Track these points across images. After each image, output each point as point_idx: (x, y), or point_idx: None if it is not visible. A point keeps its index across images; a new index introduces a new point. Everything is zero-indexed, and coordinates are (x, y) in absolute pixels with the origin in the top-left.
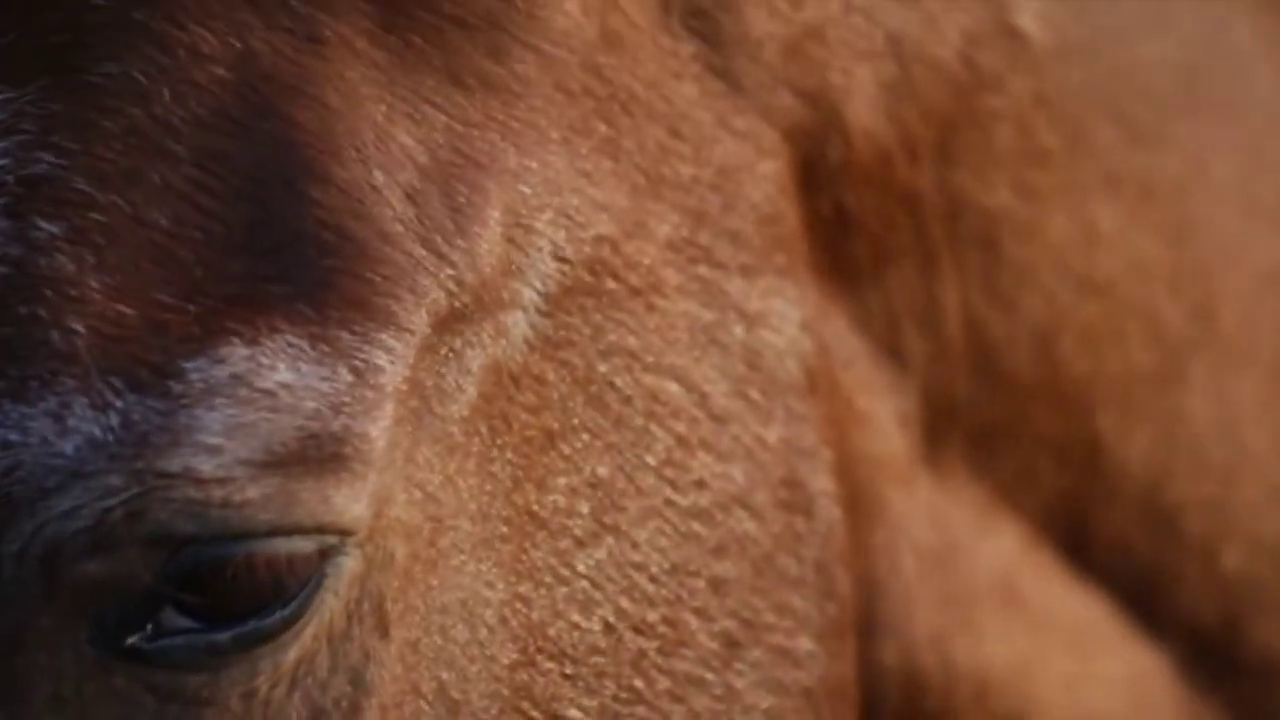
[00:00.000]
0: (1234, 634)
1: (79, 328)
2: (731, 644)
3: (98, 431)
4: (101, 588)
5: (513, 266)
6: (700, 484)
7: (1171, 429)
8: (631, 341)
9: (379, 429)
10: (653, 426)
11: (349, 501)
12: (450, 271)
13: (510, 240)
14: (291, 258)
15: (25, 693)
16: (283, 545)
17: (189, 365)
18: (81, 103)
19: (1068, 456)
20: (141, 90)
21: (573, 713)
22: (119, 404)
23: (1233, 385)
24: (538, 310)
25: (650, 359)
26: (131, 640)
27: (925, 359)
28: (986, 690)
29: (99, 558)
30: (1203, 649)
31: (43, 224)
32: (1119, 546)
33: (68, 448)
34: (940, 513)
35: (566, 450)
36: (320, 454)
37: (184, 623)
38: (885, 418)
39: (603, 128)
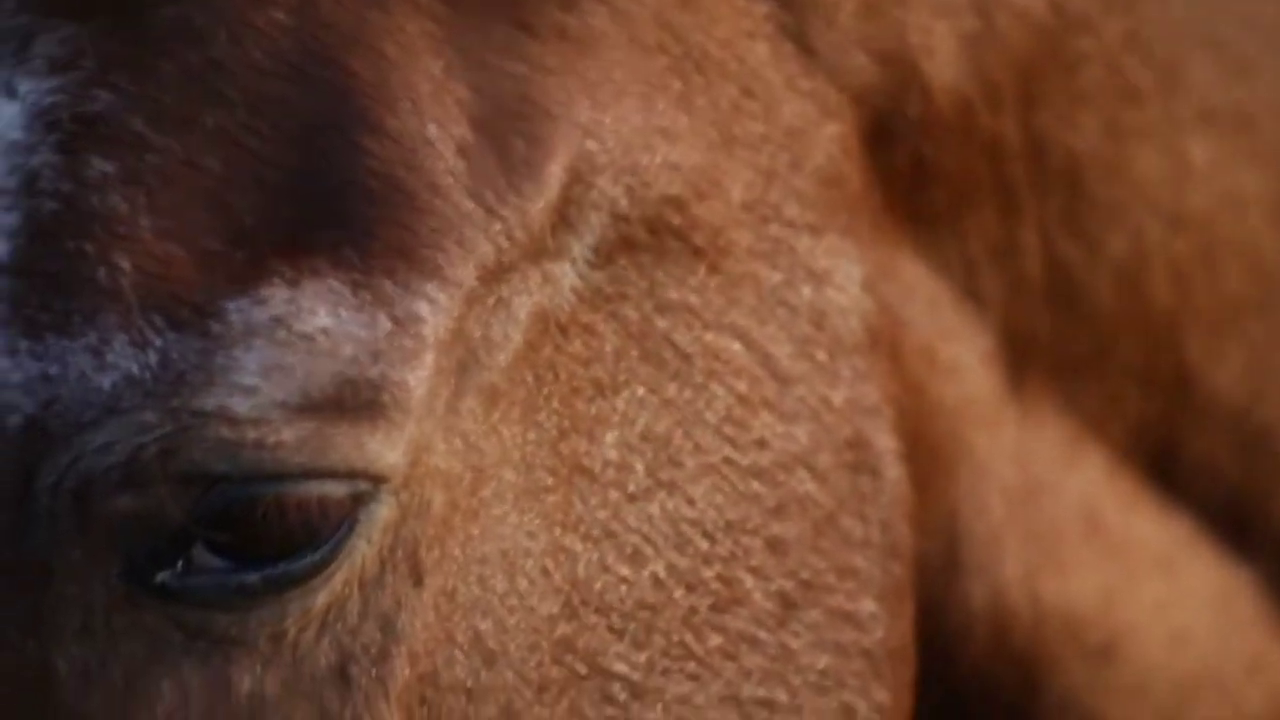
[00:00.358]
0: None
1: (125, 265)
2: (788, 604)
3: (135, 369)
4: (133, 523)
5: (566, 221)
6: (761, 443)
7: (1266, 353)
8: (692, 299)
9: (418, 378)
10: (713, 384)
11: (384, 448)
12: (499, 226)
13: (567, 197)
14: (340, 206)
15: (54, 624)
16: (314, 488)
17: (230, 305)
18: (140, 43)
19: (1154, 384)
20: (199, 33)
21: (619, 666)
22: (158, 342)
23: None
24: (588, 263)
25: (711, 317)
26: (161, 577)
27: (1004, 298)
28: (1076, 623)
29: (131, 493)
30: None
31: (96, 162)
32: (1207, 469)
33: (105, 383)
34: (1025, 450)
35: (619, 404)
36: (356, 400)
37: (214, 562)
38: (968, 360)
39: (677, 84)
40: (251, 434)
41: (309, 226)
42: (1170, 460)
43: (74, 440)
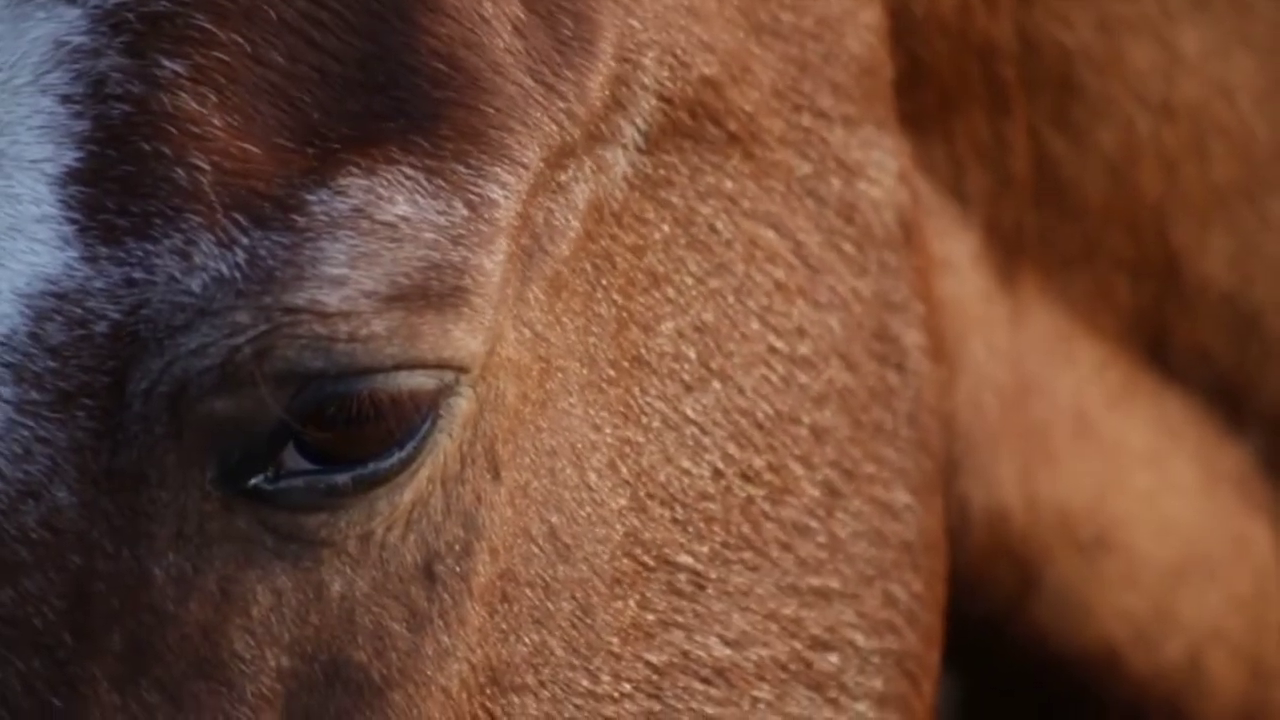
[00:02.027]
0: None
1: (203, 164)
2: (834, 493)
3: (224, 268)
4: (228, 426)
5: (618, 102)
6: (801, 332)
7: (1255, 236)
8: (729, 185)
9: (494, 263)
10: (753, 272)
11: (467, 336)
12: (560, 104)
13: (617, 76)
14: (405, 91)
15: (149, 532)
16: (405, 380)
17: (311, 198)
18: None
19: (1144, 274)
20: None
21: (684, 558)
22: (244, 240)
23: None
24: (637, 148)
25: (747, 205)
26: (254, 481)
27: (990, 197)
28: (1069, 518)
29: (226, 395)
30: None
31: (165, 62)
32: (1199, 352)
33: (195, 285)
34: (1017, 350)
35: (671, 293)
36: (441, 286)
37: (304, 464)
38: (959, 259)
39: None
40: (344, 327)
41: (377, 117)
42: (1162, 346)
43: (166, 344)
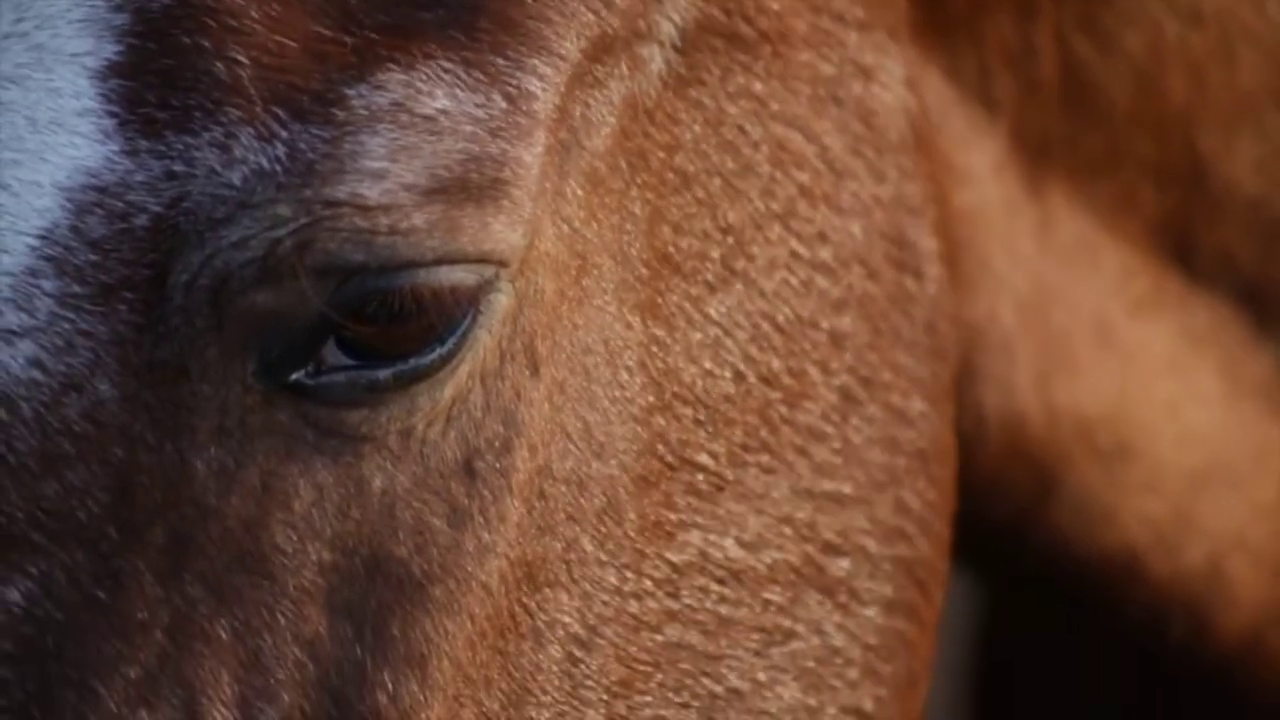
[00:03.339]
0: None
1: (242, 58)
2: (850, 399)
3: (265, 162)
4: (269, 319)
5: None
6: (822, 237)
7: None
8: (758, 87)
9: (533, 155)
10: (779, 175)
11: (507, 229)
12: None
13: None
14: None
15: (190, 425)
16: (446, 275)
17: (350, 92)
18: None
19: (1170, 179)
20: None
21: (703, 458)
22: (284, 134)
23: None
24: (673, 46)
25: (776, 106)
26: (295, 375)
27: (1017, 102)
28: (1089, 425)
29: (268, 288)
30: None
31: None
32: (1225, 257)
33: (235, 178)
34: (1041, 258)
35: (700, 193)
36: (481, 179)
37: (345, 359)
38: (981, 167)
39: None
40: (384, 220)
41: (414, 5)
42: (1188, 252)
43: (207, 237)
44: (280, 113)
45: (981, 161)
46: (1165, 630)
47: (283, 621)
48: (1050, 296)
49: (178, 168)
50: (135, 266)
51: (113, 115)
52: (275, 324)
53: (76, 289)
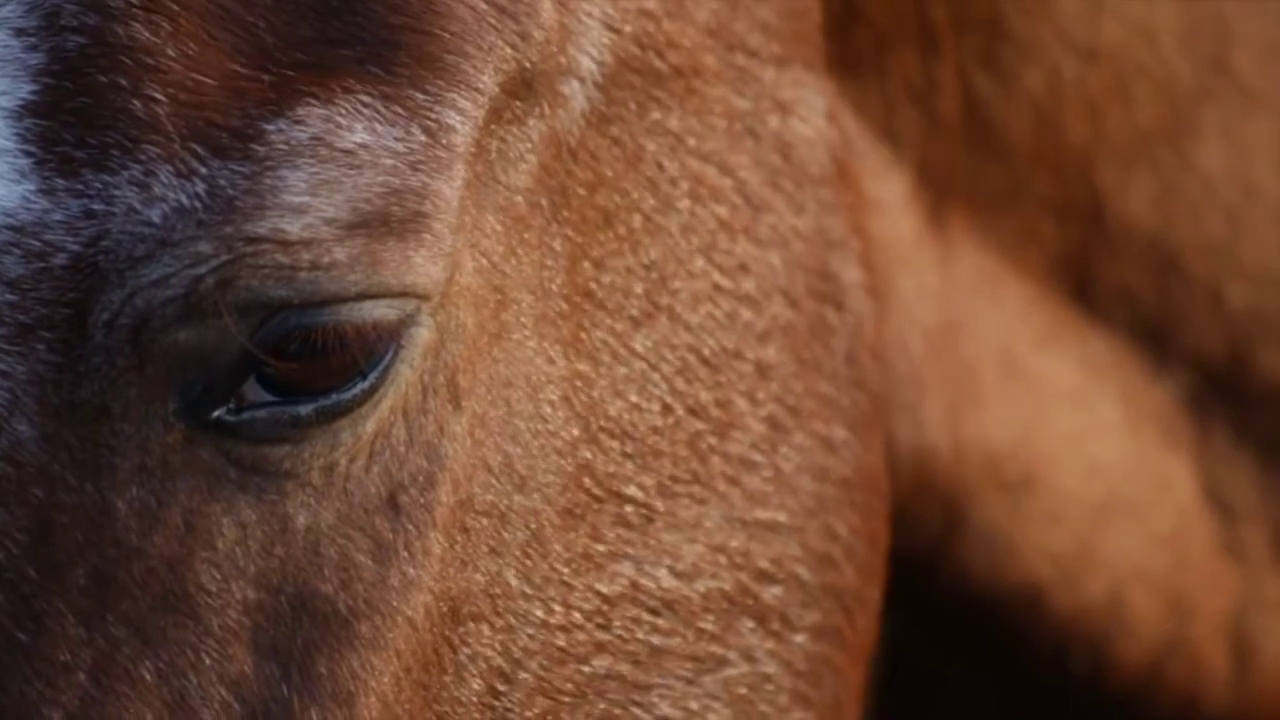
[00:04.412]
0: (1241, 365)
1: (159, 95)
2: (777, 427)
3: (184, 199)
4: (191, 357)
5: (569, 31)
6: (744, 269)
7: (1177, 177)
8: (674, 123)
9: (452, 189)
10: (698, 209)
11: (428, 263)
12: (514, 26)
13: (561, 3)
14: (360, 17)
15: (112, 463)
16: (369, 311)
17: (269, 128)
18: None
19: (1069, 214)
20: None
21: (633, 490)
22: (203, 170)
23: (1246, 128)
24: (594, 82)
25: (692, 142)
26: (217, 413)
27: (921, 138)
28: (995, 458)
29: (190, 326)
30: (1211, 380)
31: None
32: (1124, 292)
33: (154, 215)
34: (946, 291)
35: (622, 230)
36: (402, 212)
37: (267, 395)
38: (890, 200)
39: None
40: (306, 255)
41: (332, 43)
42: (1088, 286)
43: (127, 275)
44: (199, 149)
45: (891, 194)
46: (1067, 663)
47: (208, 661)
48: (957, 328)
49: (96, 206)
50: (54, 306)
51: (28, 155)
52: (197, 362)
53: None
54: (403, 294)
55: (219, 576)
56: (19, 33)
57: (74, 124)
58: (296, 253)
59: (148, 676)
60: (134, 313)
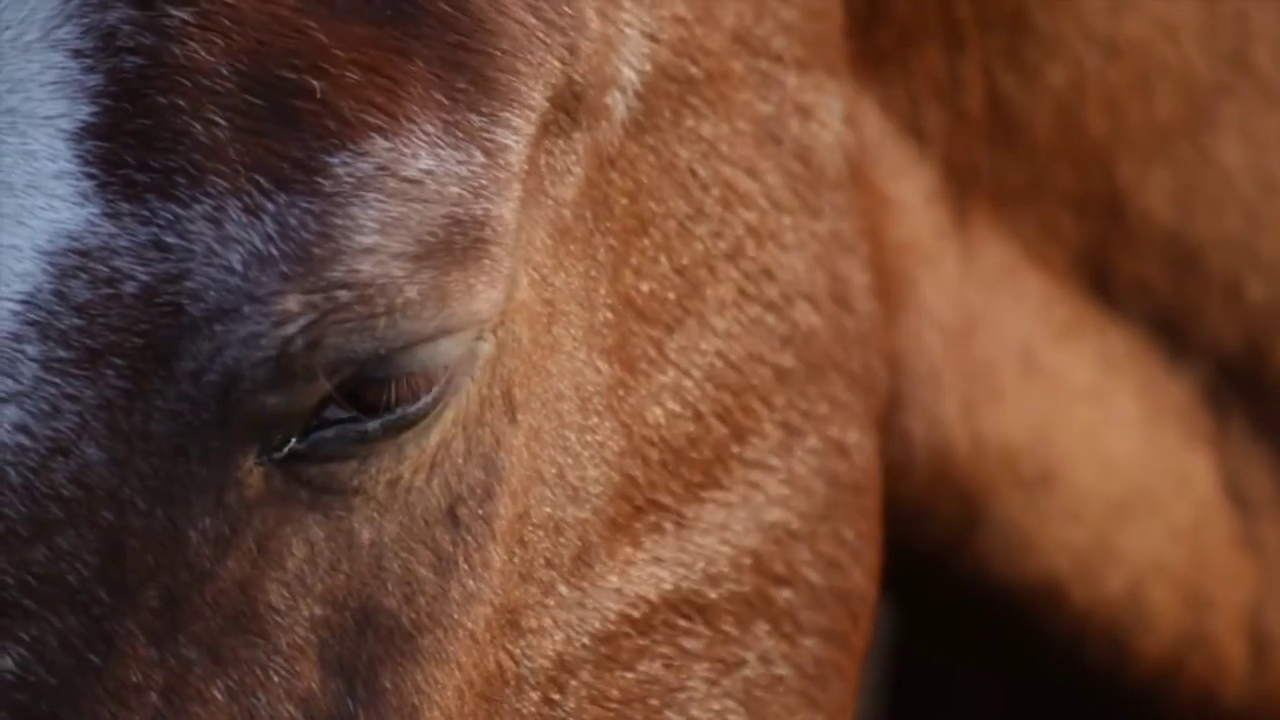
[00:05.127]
0: (1259, 359)
1: (219, 119)
2: (793, 432)
3: (258, 242)
4: (278, 418)
5: (612, 42)
6: (769, 274)
7: (1196, 172)
8: (706, 129)
9: (510, 210)
10: (727, 215)
11: (489, 288)
12: (561, 39)
13: (603, 14)
14: (413, 30)
15: (185, 498)
16: (444, 352)
17: (334, 160)
18: None
19: (1088, 209)
20: None
21: (665, 498)
22: (270, 206)
23: (1265, 123)
24: (635, 92)
25: (723, 148)
26: (290, 445)
27: (945, 132)
28: (1013, 454)
29: (279, 390)
30: (1229, 374)
31: (173, 10)
32: (1142, 286)
33: (235, 262)
34: (967, 287)
35: (658, 237)
36: (465, 240)
37: (338, 415)
38: (913, 198)
39: None
40: (381, 301)
41: (390, 51)
42: (1107, 281)
43: (216, 328)
44: (263, 181)
45: (914, 192)
46: (1085, 657)
47: (276, 679)
48: (976, 325)
49: (169, 239)
50: (124, 333)
51: (91, 177)
52: (283, 420)
53: (61, 353)
54: (470, 323)
55: (288, 595)
56: (76, 54)
57: (135, 146)
58: (372, 299)
59: (219, 696)
60: (223, 370)
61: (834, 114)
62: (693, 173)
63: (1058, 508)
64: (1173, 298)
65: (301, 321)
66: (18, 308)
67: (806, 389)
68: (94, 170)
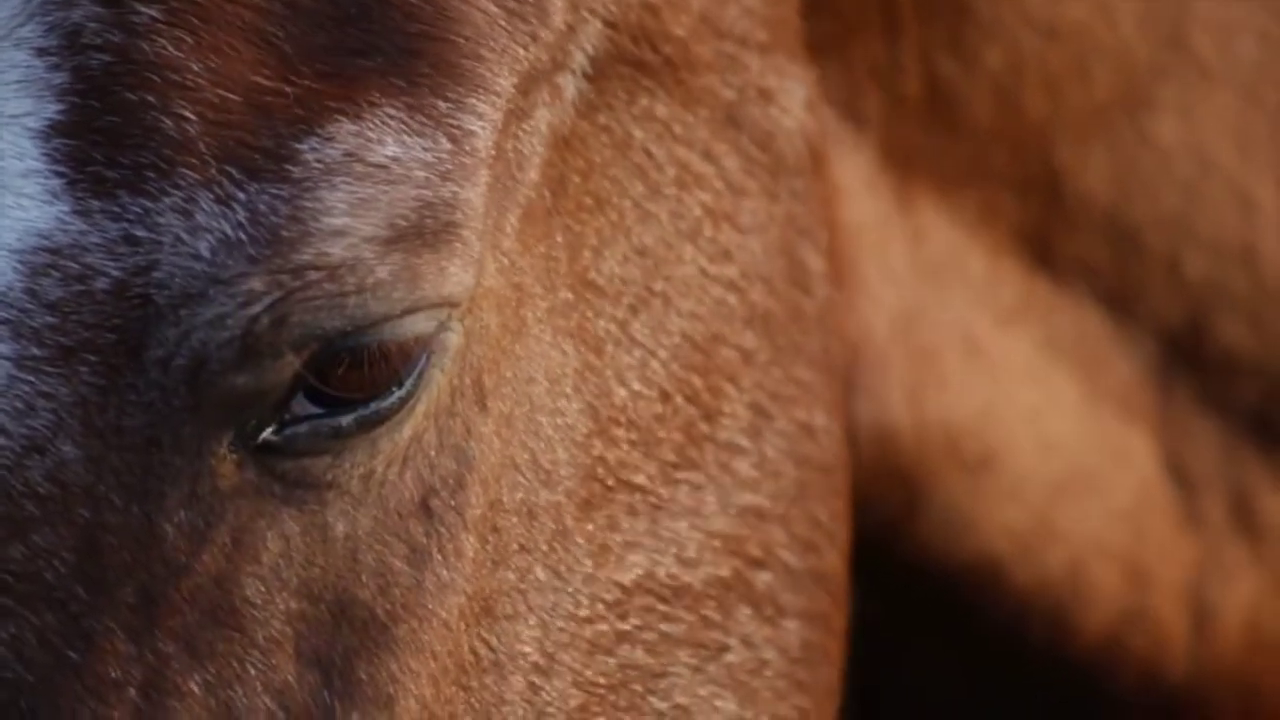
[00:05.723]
0: (1200, 335)
1: (189, 114)
2: (762, 413)
3: (228, 229)
4: (248, 397)
5: (572, 28)
6: (727, 255)
7: (1134, 152)
8: (661, 110)
9: (478, 195)
10: (684, 196)
11: (461, 271)
12: (524, 27)
13: (570, 3)
14: (376, 26)
15: (160, 490)
16: (411, 325)
17: (301, 147)
18: None
19: (1029, 191)
20: None
21: (639, 478)
22: (241, 195)
23: (1202, 103)
24: (584, 74)
25: (679, 130)
26: (263, 435)
27: (884, 118)
28: (956, 438)
29: (247, 369)
30: (1171, 351)
31: (141, 8)
32: (1084, 266)
33: (202, 248)
34: (912, 271)
35: (614, 216)
36: (435, 224)
37: (311, 409)
38: (855, 183)
39: None
40: (351, 280)
41: (350, 52)
42: (1049, 262)
43: (181, 313)
44: (234, 171)
45: (855, 177)
46: (1026, 634)
47: (253, 672)
48: (921, 309)
49: (139, 232)
50: (97, 330)
51: (59, 175)
52: (253, 399)
53: (35, 351)
54: (440, 304)
55: (264, 589)
56: (40, 52)
57: (104, 143)
58: (342, 278)
59: (196, 690)
60: (190, 353)
61: (795, 99)
62: (647, 153)
63: (998, 490)
64: (1114, 277)
65: (267, 300)
66: None
67: (771, 370)
68: (62, 168)
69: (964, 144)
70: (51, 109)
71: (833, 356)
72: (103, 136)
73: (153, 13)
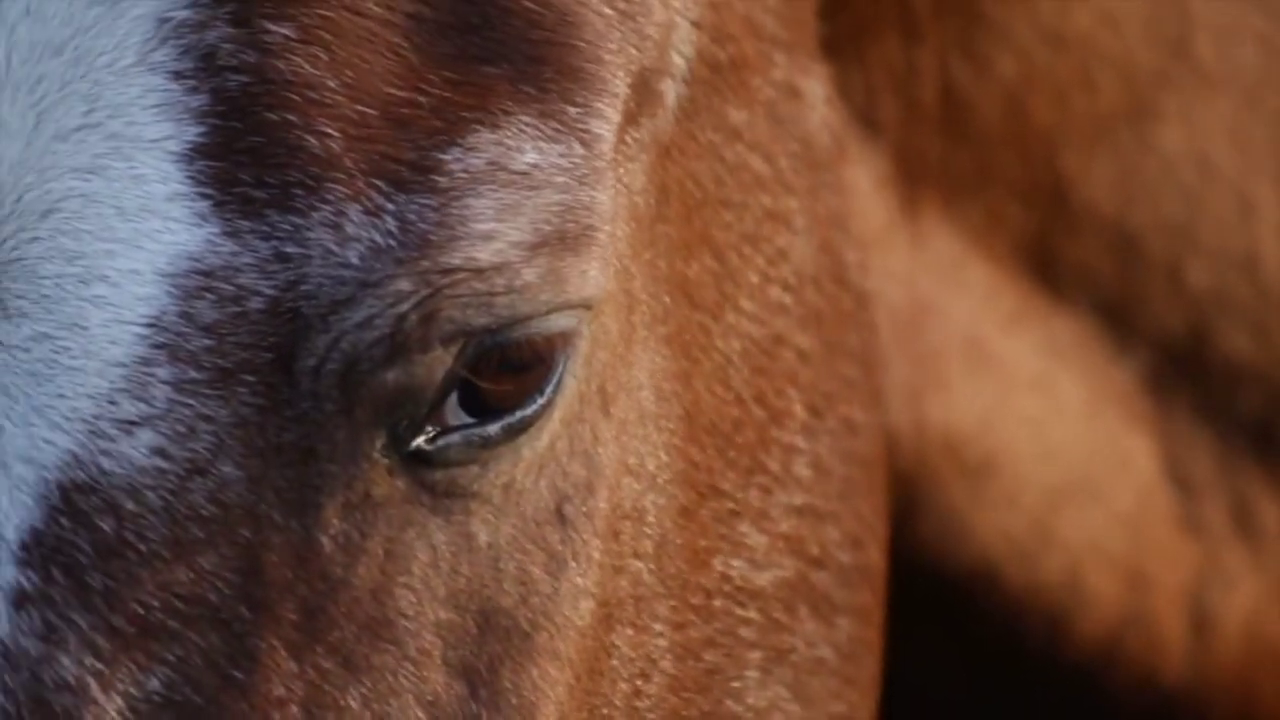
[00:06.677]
0: (1201, 343)
1: (331, 130)
2: (815, 413)
3: (378, 237)
4: (399, 395)
5: (668, 29)
6: (784, 255)
7: (1137, 160)
8: (730, 113)
9: (609, 198)
10: (749, 199)
11: (599, 274)
12: (634, 28)
13: (664, 3)
14: (500, 33)
15: (318, 502)
16: (555, 322)
17: (445, 157)
18: None
19: (1034, 198)
20: None
21: (723, 484)
22: (390, 206)
23: (1205, 111)
24: (682, 78)
25: (744, 132)
26: (415, 443)
27: (898, 123)
28: (956, 443)
29: (398, 366)
30: (1172, 359)
31: (272, 27)
32: (1086, 273)
33: (352, 257)
34: (914, 274)
35: (699, 223)
36: (576, 228)
37: (464, 419)
38: (864, 184)
39: None
40: (499, 281)
41: (476, 60)
42: (1051, 269)
43: (331, 320)
44: (381, 184)
45: (864, 178)
46: (1023, 637)
47: (406, 684)
48: (923, 313)
49: (289, 249)
50: (253, 350)
51: (206, 197)
52: (404, 398)
53: (193, 374)
54: (580, 306)
55: (414, 600)
56: (176, 75)
57: (249, 164)
58: (490, 279)
59: (354, 704)
60: (341, 357)
61: (817, 95)
62: (721, 158)
63: (996, 495)
64: (1116, 284)
65: (415, 298)
66: (144, 331)
67: (822, 369)
68: (208, 190)
69: (972, 151)
70: (192, 132)
71: (869, 349)
72: (247, 157)
73: (286, 31)
